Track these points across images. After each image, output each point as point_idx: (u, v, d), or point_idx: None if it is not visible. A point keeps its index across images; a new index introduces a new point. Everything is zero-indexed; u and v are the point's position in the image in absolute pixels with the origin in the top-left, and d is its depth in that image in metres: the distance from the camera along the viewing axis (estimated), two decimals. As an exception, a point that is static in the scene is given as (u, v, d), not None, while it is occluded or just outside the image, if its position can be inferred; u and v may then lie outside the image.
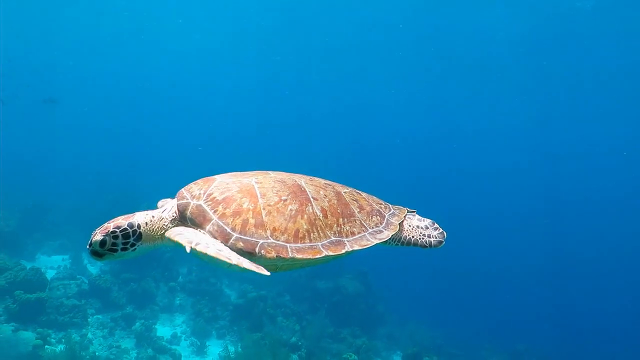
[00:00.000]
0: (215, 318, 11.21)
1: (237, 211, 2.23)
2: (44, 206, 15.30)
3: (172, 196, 2.51)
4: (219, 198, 2.28)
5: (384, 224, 2.66)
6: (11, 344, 7.88)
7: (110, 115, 36.04)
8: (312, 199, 2.44)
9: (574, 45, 24.43)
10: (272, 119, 39.36)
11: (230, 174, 2.56)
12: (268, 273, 2.02)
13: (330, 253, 2.31)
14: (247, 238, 2.17)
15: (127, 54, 36.04)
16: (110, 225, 2.18)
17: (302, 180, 2.59)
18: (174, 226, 2.31)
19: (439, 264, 18.09)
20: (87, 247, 2.17)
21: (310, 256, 2.24)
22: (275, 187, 2.40)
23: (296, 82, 37.84)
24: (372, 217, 2.65)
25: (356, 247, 2.42)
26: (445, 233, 2.88)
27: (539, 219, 32.24)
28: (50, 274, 11.19)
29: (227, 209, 2.23)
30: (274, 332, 10.28)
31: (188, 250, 2.03)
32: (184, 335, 10.57)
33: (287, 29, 30.66)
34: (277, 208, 2.30)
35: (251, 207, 2.26)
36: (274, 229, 2.23)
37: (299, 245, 2.25)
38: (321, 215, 2.41)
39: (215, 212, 2.23)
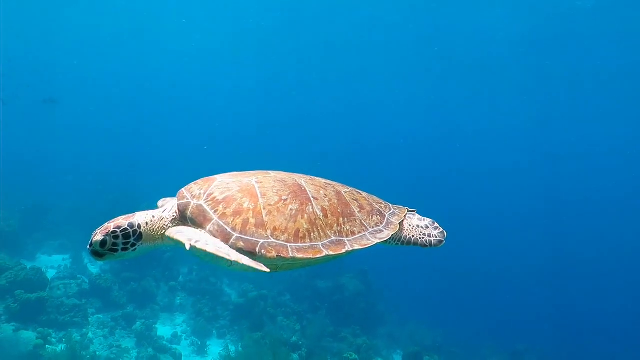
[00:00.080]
0: (216, 317, 11.22)
1: (238, 211, 2.23)
2: (44, 206, 15.31)
3: (173, 196, 2.52)
4: (220, 198, 2.28)
5: (384, 224, 2.66)
6: (12, 343, 7.90)
7: (110, 115, 36.08)
8: (312, 199, 2.45)
9: (574, 45, 24.42)
10: (272, 118, 39.39)
11: (230, 173, 2.56)
12: (267, 269, 2.03)
13: (331, 252, 2.31)
14: (248, 238, 2.17)
15: (127, 54, 36.06)
16: (110, 225, 2.19)
17: (302, 179, 2.59)
18: (174, 226, 2.31)
19: (439, 264, 18.09)
20: (88, 247, 2.17)
21: (310, 256, 2.24)
22: (276, 187, 2.40)
23: (296, 82, 37.86)
24: (372, 216, 2.65)
25: (356, 247, 2.42)
26: (445, 232, 2.88)
27: (539, 219, 32.24)
28: (50, 274, 11.21)
29: (228, 209, 2.23)
30: (274, 332, 10.28)
31: (188, 247, 2.04)
32: (184, 335, 10.58)
33: (287, 29, 30.67)
34: (278, 208, 2.30)
35: (251, 207, 2.26)
36: (275, 229, 2.24)
37: (299, 244, 2.25)
38: (321, 214, 2.41)
39: (215, 211, 2.23)
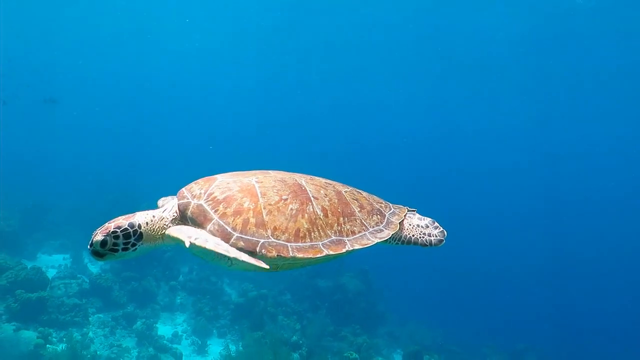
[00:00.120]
0: (216, 317, 11.23)
1: (238, 210, 2.24)
2: (44, 206, 15.30)
3: (173, 196, 2.52)
4: (220, 197, 2.28)
5: (384, 223, 2.66)
6: (12, 343, 7.90)
7: (110, 115, 36.10)
8: (312, 198, 2.45)
9: (574, 44, 24.42)
10: (273, 118, 39.40)
11: (230, 173, 2.56)
12: (267, 266, 2.04)
13: (331, 252, 2.31)
14: (248, 237, 2.18)
15: (127, 54, 36.05)
16: (111, 225, 2.19)
17: (302, 179, 2.60)
18: (175, 226, 2.32)
19: (439, 264, 18.11)
20: (88, 247, 2.17)
21: (311, 255, 2.24)
22: (276, 187, 2.41)
23: (296, 82, 37.86)
24: (372, 216, 2.66)
25: (357, 246, 2.42)
26: (445, 232, 2.88)
27: (539, 219, 32.25)
28: (51, 273, 11.21)
29: (228, 209, 2.24)
30: (274, 331, 10.27)
31: (187, 244, 2.04)
32: (185, 334, 10.58)
33: (287, 29, 30.65)
34: (278, 207, 2.31)
35: (252, 207, 2.26)
36: (275, 228, 2.24)
37: (299, 244, 2.26)
38: (322, 214, 2.42)
39: (216, 211, 2.23)
